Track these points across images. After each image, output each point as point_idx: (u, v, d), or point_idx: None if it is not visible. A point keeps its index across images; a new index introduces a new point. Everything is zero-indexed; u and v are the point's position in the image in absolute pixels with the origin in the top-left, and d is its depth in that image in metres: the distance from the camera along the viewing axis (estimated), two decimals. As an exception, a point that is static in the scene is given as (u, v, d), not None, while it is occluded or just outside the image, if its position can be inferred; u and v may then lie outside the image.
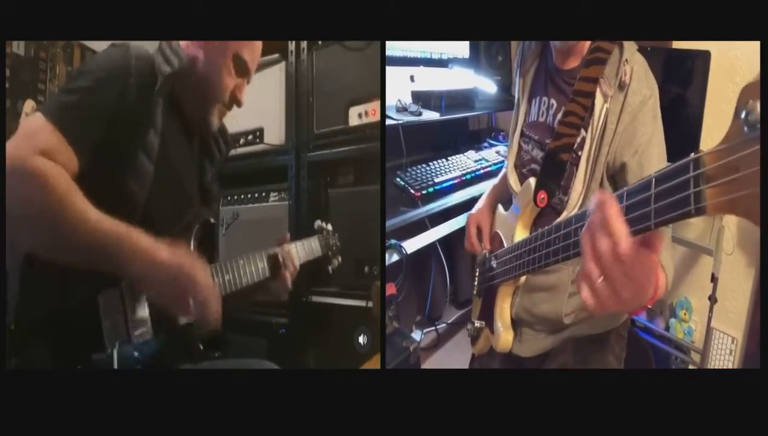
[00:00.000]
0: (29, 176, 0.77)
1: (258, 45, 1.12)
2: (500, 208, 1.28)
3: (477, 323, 1.28)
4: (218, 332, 1.01)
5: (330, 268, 1.39)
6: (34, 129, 0.83)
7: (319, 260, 1.34)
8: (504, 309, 1.16)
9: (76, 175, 0.83)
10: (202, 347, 1.00)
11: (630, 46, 1.02)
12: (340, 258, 1.40)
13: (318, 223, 1.39)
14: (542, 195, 1.05)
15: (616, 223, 0.55)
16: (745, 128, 0.45)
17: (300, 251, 1.25)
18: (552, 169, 1.05)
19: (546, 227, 0.86)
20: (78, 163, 0.85)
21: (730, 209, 0.47)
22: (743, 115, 0.45)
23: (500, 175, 1.42)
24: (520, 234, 1.09)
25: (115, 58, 0.93)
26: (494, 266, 1.18)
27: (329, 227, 1.39)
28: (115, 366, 0.84)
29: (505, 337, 1.15)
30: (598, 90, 1.00)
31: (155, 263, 0.83)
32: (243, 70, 1.09)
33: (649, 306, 0.74)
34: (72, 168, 0.84)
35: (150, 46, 1.01)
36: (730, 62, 1.94)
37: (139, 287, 0.87)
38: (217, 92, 1.07)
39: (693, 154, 0.50)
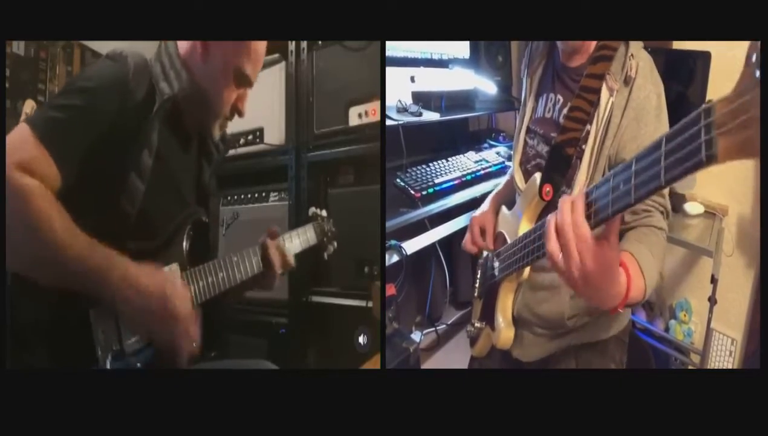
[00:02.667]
0: (10, 194, 0.76)
1: (260, 54, 1.08)
2: (504, 208, 1.28)
3: (477, 324, 1.28)
4: (213, 326, 1.00)
5: (326, 254, 1.38)
6: (17, 141, 0.81)
7: (315, 247, 1.33)
8: (506, 305, 1.15)
9: (58, 191, 0.82)
10: (194, 345, 1.00)
11: (636, 43, 1.02)
12: (335, 244, 1.39)
13: (313, 209, 1.37)
14: (548, 188, 1.04)
15: (577, 217, 0.70)
16: (756, 71, 0.44)
17: (294, 241, 1.24)
18: (557, 163, 1.05)
19: (548, 217, 0.86)
20: (61, 180, 0.83)
21: (740, 153, 0.46)
22: (753, 58, 0.45)
23: (504, 180, 1.42)
24: (525, 228, 1.09)
25: (111, 76, 0.91)
26: (496, 265, 1.18)
27: (324, 213, 1.38)
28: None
29: (506, 333, 1.14)
30: (604, 85, 1.00)
31: (137, 291, 0.82)
32: (244, 82, 1.07)
33: (620, 310, 0.81)
34: (54, 184, 0.82)
35: (149, 48, 1.00)
36: (730, 62, 1.94)
37: (120, 312, 0.85)
38: (217, 107, 1.05)
39: (703, 104, 0.49)
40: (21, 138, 0.82)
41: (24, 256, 0.79)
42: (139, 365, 0.87)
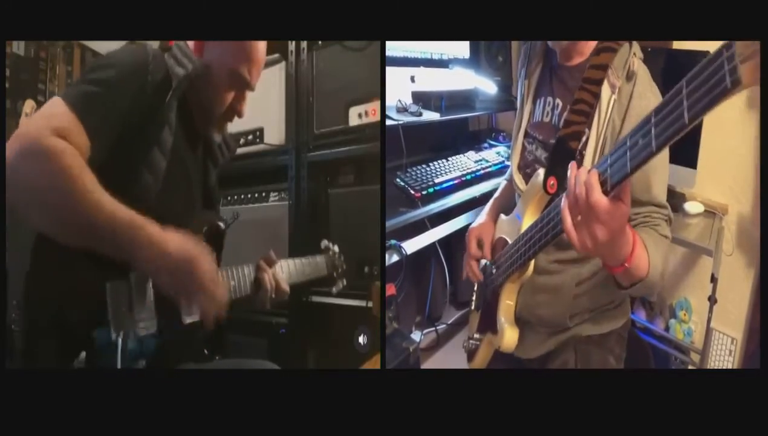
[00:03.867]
0: (43, 154, 0.77)
1: (260, 56, 1.09)
2: (502, 215, 1.27)
3: (476, 335, 1.27)
4: (221, 330, 1.01)
5: (334, 289, 1.39)
6: (52, 111, 0.84)
7: (323, 279, 1.33)
8: (509, 306, 1.14)
9: (86, 160, 0.83)
10: (207, 352, 1.00)
11: (638, 46, 1.02)
12: (345, 281, 1.40)
13: (325, 243, 1.39)
14: (552, 181, 1.04)
15: (592, 179, 0.73)
16: None
17: (306, 268, 1.25)
18: (561, 157, 1.04)
19: (552, 205, 0.88)
20: (90, 150, 0.85)
21: (757, 78, 0.51)
22: None
23: (501, 187, 1.41)
24: (529, 224, 1.08)
25: (135, 56, 0.95)
26: (494, 272, 1.17)
27: (336, 248, 1.39)
28: (119, 356, 0.84)
29: (510, 335, 1.12)
30: (605, 81, 1.00)
31: (164, 253, 0.84)
32: (241, 84, 1.08)
33: (627, 265, 0.84)
34: (84, 153, 0.84)
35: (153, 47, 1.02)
36: (730, 62, 1.94)
37: (147, 274, 0.88)
38: (215, 106, 1.07)
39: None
40: (55, 109, 0.84)
41: (53, 214, 0.80)
42: (139, 346, 0.87)
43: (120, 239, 0.81)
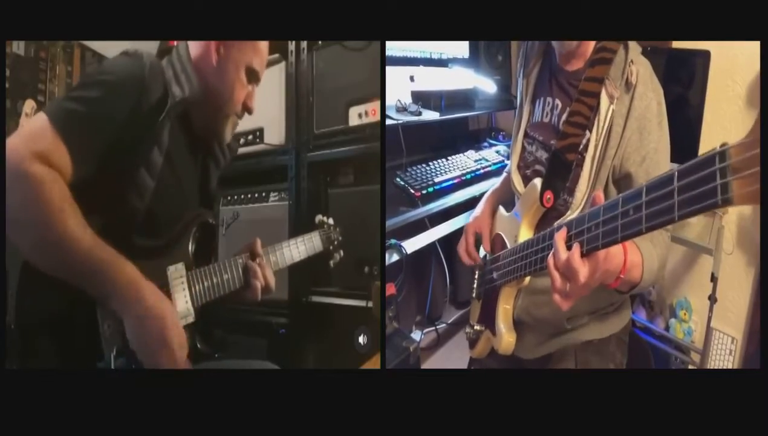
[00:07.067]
0: (24, 182, 0.77)
1: (266, 50, 1.10)
2: (501, 209, 1.27)
3: (477, 326, 1.27)
4: (218, 332, 1.00)
5: (331, 262, 1.38)
6: (35, 130, 0.83)
7: (321, 255, 1.33)
8: (507, 311, 1.15)
9: (70, 183, 0.83)
10: (199, 346, 1.00)
11: (635, 48, 1.02)
12: (342, 252, 1.40)
13: (319, 217, 1.38)
14: (548, 195, 1.04)
15: (575, 264, 0.76)
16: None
17: (300, 248, 1.24)
18: (558, 169, 1.05)
19: (551, 229, 0.87)
20: (72, 173, 0.84)
21: (754, 200, 0.48)
22: None
23: (500, 179, 1.41)
24: (525, 235, 1.09)
25: (128, 72, 0.91)
26: (495, 269, 1.18)
27: (330, 221, 1.39)
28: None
29: (507, 339, 1.14)
30: (603, 91, 1.00)
31: (139, 298, 0.82)
32: (254, 79, 1.09)
33: (622, 276, 0.86)
34: (67, 176, 0.83)
35: (150, 48, 1.00)
36: (730, 62, 1.94)
37: (119, 314, 0.84)
38: (230, 106, 1.07)
39: (717, 147, 0.51)
40: (39, 128, 0.83)
41: (31, 241, 0.80)
42: (134, 366, 0.87)
43: (97, 277, 0.80)
